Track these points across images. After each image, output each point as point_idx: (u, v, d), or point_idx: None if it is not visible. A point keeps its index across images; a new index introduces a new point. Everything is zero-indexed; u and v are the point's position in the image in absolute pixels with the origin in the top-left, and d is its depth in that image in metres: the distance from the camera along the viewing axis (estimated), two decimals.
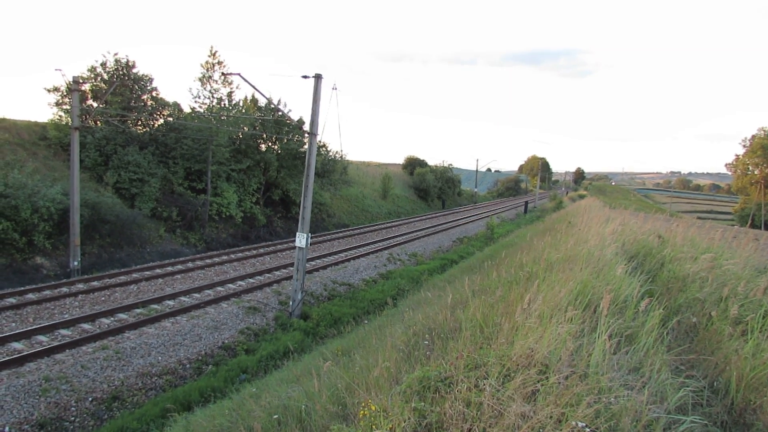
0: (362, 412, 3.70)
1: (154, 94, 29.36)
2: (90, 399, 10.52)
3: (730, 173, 72.57)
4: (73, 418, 10.00)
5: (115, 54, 27.13)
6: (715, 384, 4.51)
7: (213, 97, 29.91)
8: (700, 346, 5.20)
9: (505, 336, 4.50)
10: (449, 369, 3.97)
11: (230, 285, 18.75)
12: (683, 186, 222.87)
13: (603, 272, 6.55)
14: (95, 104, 26.31)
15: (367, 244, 29.61)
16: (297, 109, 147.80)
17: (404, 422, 3.40)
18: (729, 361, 4.64)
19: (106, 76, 26.91)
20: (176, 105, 30.51)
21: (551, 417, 3.12)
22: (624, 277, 6.20)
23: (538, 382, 3.52)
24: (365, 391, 4.28)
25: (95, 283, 17.62)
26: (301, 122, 34.25)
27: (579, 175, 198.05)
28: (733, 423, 4.16)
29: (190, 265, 21.36)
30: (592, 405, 3.17)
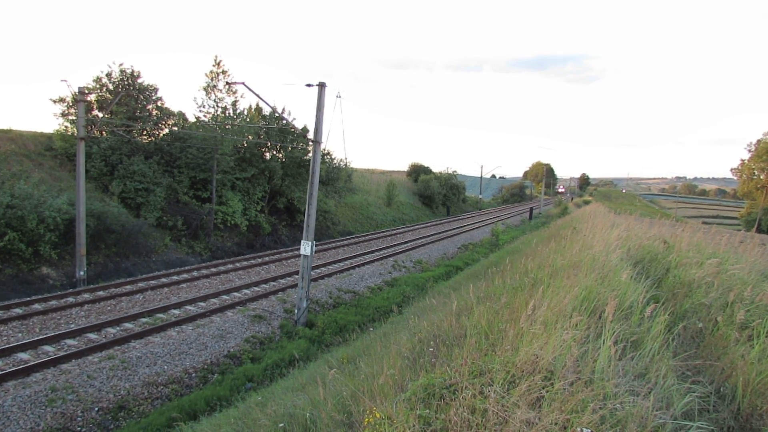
0: (367, 419, 3.70)
1: (159, 103, 29.56)
2: (96, 409, 10.53)
3: (735, 178, 72.23)
4: (79, 428, 10.01)
5: (121, 64, 27.43)
6: (721, 389, 4.49)
7: (218, 106, 30.12)
8: (706, 351, 5.18)
9: (510, 342, 4.49)
10: (454, 376, 3.97)
11: (235, 293, 18.78)
12: (689, 191, 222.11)
13: (608, 278, 6.54)
14: (101, 114, 26.52)
15: (372, 252, 29.61)
16: (301, 117, 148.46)
17: (409, 430, 3.40)
18: (735, 366, 4.62)
19: (111, 87, 27.14)
20: (181, 114, 30.71)
21: (556, 423, 3.11)
22: (629, 283, 6.18)
23: (543, 388, 3.51)
24: (370, 399, 4.27)
25: (101, 293, 17.69)
26: (305, 130, 34.42)
27: (584, 181, 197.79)
28: (739, 428, 4.14)
29: (195, 273, 21.42)
30: (598, 411, 3.16)
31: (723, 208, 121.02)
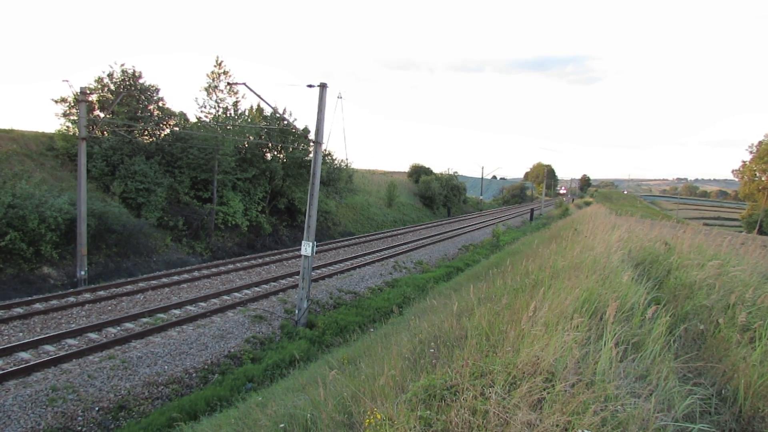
0: (368, 420, 3.70)
1: (160, 104, 29.57)
2: (97, 408, 10.53)
3: (737, 179, 72.16)
4: (80, 428, 10.01)
5: (122, 64, 27.45)
6: (723, 392, 4.48)
7: (219, 106, 30.13)
8: (707, 353, 5.17)
9: (511, 344, 4.49)
10: (455, 377, 3.96)
11: (236, 294, 18.78)
12: (690, 192, 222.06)
13: (609, 279, 6.53)
14: (102, 114, 26.54)
15: (373, 252, 29.62)
16: (302, 117, 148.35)
17: (410, 431, 3.40)
18: (737, 368, 4.61)
19: (112, 87, 27.16)
20: (182, 115, 30.72)
21: (557, 425, 3.11)
22: (630, 285, 6.17)
23: (544, 390, 3.51)
24: (371, 400, 4.27)
25: (102, 293, 17.70)
26: (306, 131, 34.42)
27: (585, 182, 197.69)
28: (741, 431, 4.13)
29: (196, 274, 21.43)
30: (599, 413, 3.16)
31: (724, 210, 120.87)
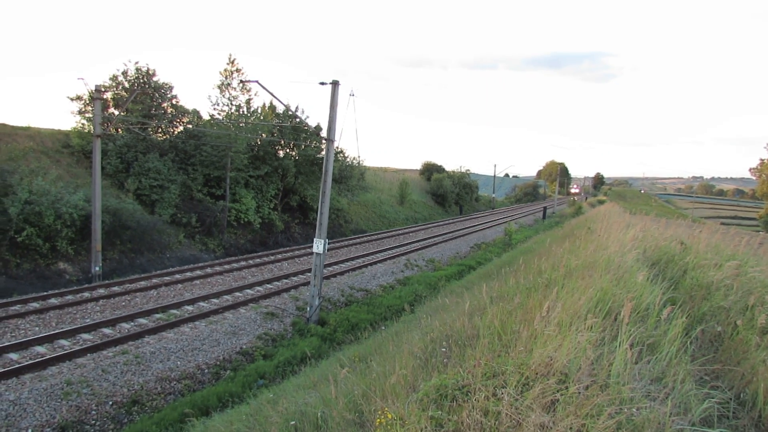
0: (379, 420, 3.67)
1: (173, 101, 29.76)
2: (110, 403, 10.64)
3: (754, 178, 71.10)
4: (93, 422, 10.13)
5: (136, 62, 27.66)
6: (741, 395, 4.39)
7: (232, 104, 30.28)
8: (725, 356, 5.07)
9: (524, 344, 4.43)
10: (467, 377, 3.92)
11: (248, 290, 18.87)
12: (706, 191, 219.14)
13: (624, 279, 6.43)
14: (117, 112, 26.78)
15: (385, 250, 29.59)
16: (315, 115, 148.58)
17: (421, 431, 3.37)
18: (756, 371, 4.51)
19: (127, 85, 27.39)
20: (195, 112, 30.91)
21: (571, 428, 3.06)
22: (645, 285, 6.07)
23: (558, 391, 3.46)
24: (382, 399, 4.24)
25: (116, 289, 17.87)
26: (318, 128, 34.45)
27: (598, 181, 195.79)
28: None
29: (209, 270, 21.57)
30: (614, 416, 3.10)
31: (741, 209, 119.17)
